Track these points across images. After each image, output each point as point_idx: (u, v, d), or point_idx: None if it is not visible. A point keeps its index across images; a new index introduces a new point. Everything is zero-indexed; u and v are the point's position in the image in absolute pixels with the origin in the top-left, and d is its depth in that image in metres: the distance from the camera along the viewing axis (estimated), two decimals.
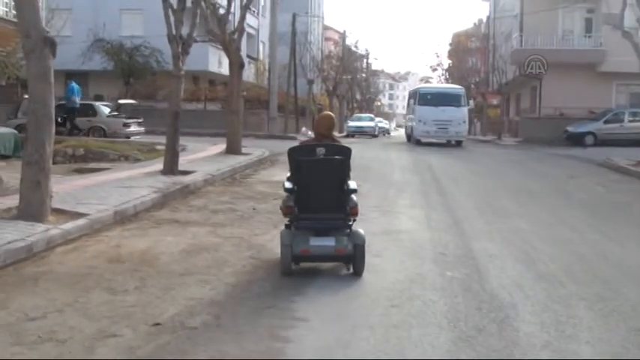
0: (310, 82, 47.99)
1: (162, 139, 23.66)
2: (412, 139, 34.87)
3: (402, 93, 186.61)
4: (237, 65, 20.68)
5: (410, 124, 37.17)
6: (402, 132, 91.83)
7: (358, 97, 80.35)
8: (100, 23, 38.27)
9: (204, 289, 6.28)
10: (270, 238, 8.75)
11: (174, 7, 14.74)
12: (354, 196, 7.15)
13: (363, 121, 53.48)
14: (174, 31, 14.37)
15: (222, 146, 22.06)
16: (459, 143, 33.22)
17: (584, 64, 38.35)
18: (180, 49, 14.43)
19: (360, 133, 49.99)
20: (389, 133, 69.48)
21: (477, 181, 16.95)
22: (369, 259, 7.52)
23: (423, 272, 7.20)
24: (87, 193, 11.19)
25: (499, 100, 53.77)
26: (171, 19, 14.46)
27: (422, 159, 23.83)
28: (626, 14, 35.21)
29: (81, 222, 8.79)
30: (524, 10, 40.32)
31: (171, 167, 14.22)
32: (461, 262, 7.75)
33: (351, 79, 61.83)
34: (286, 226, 7.23)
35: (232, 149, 20.21)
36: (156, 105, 39.26)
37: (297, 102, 42.20)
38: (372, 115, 60.73)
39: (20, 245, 7.35)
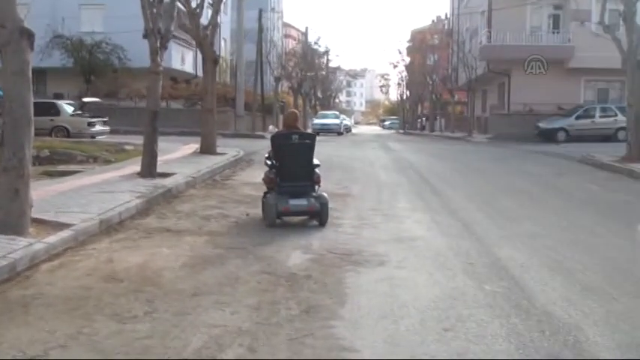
0: (277, 80, 47.16)
1: (129, 139, 23.00)
2: None
3: (360, 90, 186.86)
4: (211, 61, 19.86)
5: None
6: (363, 129, 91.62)
7: (319, 94, 79.73)
8: (59, 18, 37.01)
9: (225, 314, 5.48)
10: (276, 248, 8.00)
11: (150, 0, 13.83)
12: (317, 170, 9.79)
13: (329, 118, 52.81)
14: (151, 25, 13.46)
15: (194, 146, 21.27)
16: None
17: (552, 60, 38.15)
18: (158, 44, 13.56)
19: (325, 130, 49.32)
20: (351, 131, 68.96)
21: (467, 181, 16.37)
22: (393, 271, 7.08)
23: (459, 286, 6.49)
24: (65, 199, 10.30)
25: (464, 97, 53.75)
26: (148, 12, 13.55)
27: (400, 157, 23.25)
28: (595, 10, 35.26)
29: (65, 234, 7.92)
30: (492, 6, 39.99)
31: (149, 169, 13.36)
32: (493, 273, 7.07)
33: (315, 76, 61.07)
34: (264, 194, 9.94)
35: (207, 149, 19.38)
36: (118, 103, 38.26)
37: (264, 100, 41.30)
38: (337, 113, 60.18)
39: (2, 264, 6.44)
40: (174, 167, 15.47)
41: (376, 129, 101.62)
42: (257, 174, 15.25)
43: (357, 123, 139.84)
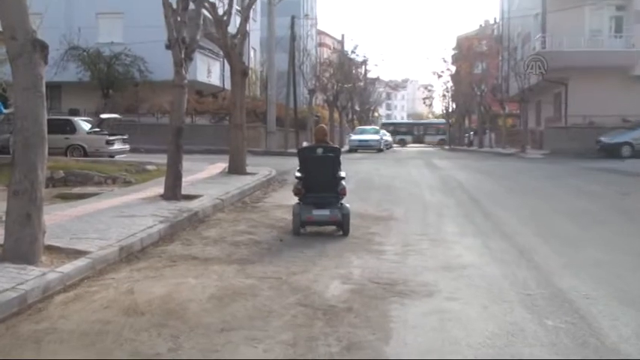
0: (311, 92, 47.22)
1: (151, 158, 23.19)
2: None
3: (401, 102, 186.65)
4: (239, 73, 19.97)
5: None
6: (409, 148, 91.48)
7: (357, 107, 79.70)
8: (75, 29, 37.45)
9: (258, 351, 5.40)
10: (313, 277, 7.92)
11: (174, 7, 13.90)
12: (342, 182, 11.07)
13: (368, 133, 52.69)
14: (175, 35, 13.53)
15: (221, 165, 21.39)
16: None
17: (615, 67, 37.74)
18: (183, 55, 13.63)
19: (364, 147, 49.27)
20: (392, 147, 68.78)
21: (521, 202, 16.15)
22: (443, 303, 6.97)
23: (517, 321, 6.34)
24: (81, 224, 10.35)
25: (516, 109, 53.36)
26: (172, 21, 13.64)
27: (447, 176, 23.13)
28: None
29: (81, 262, 7.91)
30: (547, 8, 39.72)
31: (173, 191, 13.40)
32: (555, 306, 6.90)
33: (352, 88, 61.13)
34: (297, 203, 11.11)
35: (236, 168, 19.46)
36: (138, 119, 38.61)
37: (297, 114, 41.39)
38: (376, 127, 60.14)
39: (12, 296, 6.44)
40: (201, 189, 15.56)
41: (419, 145, 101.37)
42: (291, 195, 15.18)
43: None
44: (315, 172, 11.00)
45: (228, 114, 27.03)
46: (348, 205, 11.10)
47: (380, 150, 50.94)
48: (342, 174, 11.17)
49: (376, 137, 52.24)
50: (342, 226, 10.92)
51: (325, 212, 10.83)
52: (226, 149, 21.54)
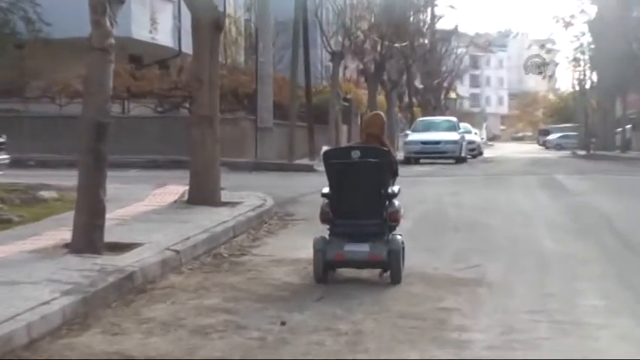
0: (337, 56, 47.22)
1: (48, 177, 23.34)
2: None
3: (497, 74, 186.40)
4: (208, 25, 20.00)
5: None
6: (504, 149, 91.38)
7: (419, 84, 79.68)
8: None
9: None
10: None
11: None
12: (395, 201, 12.24)
13: (437, 130, 52.58)
14: None
15: (176, 189, 21.47)
16: None
17: None
18: None
19: (431, 154, 49.20)
20: (482, 153, 68.67)
21: None
22: None
23: None
24: None
25: None
26: None
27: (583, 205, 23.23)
28: None
29: None
30: None
31: (90, 237, 13.39)
32: None
33: (409, 49, 61.17)
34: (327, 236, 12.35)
35: (202, 194, 19.56)
36: (26, 108, 38.83)
37: (311, 96, 41.48)
38: (453, 119, 59.42)
39: None
40: (140, 231, 15.72)
41: (532, 149, 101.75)
42: (299, 242, 15.34)
43: (492, 138, 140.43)
44: (349, 188, 12.13)
45: (189, 97, 27.11)
46: (400, 236, 12.22)
47: (460, 159, 50.78)
48: (395, 189, 12.36)
49: (453, 137, 51.98)
50: (389, 268, 11.97)
51: (363, 248, 11.87)
52: (185, 160, 21.63)
